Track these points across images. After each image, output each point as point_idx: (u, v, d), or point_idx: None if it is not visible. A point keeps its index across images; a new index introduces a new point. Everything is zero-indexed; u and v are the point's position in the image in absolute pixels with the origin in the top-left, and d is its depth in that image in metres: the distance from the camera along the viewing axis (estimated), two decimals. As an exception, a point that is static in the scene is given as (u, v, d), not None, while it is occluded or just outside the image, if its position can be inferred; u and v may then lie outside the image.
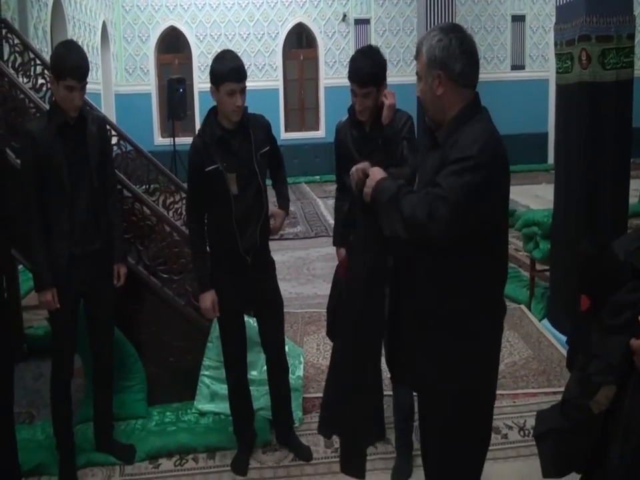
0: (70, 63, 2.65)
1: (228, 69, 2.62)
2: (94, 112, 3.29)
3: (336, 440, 3.08)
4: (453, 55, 1.83)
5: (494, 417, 3.18)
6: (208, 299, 2.79)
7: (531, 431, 3.13)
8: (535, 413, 3.22)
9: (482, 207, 1.79)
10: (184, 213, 4.31)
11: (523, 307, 4.86)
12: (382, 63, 2.72)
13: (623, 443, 1.78)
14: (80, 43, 3.34)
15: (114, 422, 3.15)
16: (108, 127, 3.88)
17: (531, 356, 4.02)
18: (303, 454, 3.02)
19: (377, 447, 2.97)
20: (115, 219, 2.96)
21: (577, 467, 1.96)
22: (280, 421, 3.11)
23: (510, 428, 3.17)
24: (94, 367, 3.04)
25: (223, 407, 3.21)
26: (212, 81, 2.68)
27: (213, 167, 2.68)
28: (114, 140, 4.27)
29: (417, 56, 1.92)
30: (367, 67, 2.65)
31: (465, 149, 1.77)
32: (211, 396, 3.33)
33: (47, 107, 3.42)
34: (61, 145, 2.71)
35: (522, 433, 3.14)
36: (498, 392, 3.50)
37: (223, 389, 3.21)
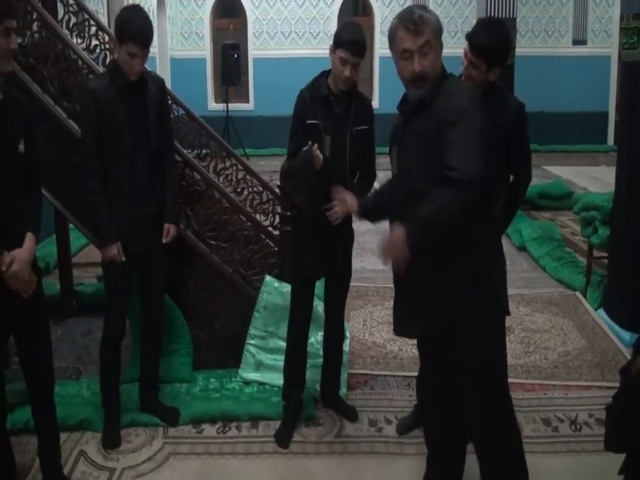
0: (133, 28, 2.64)
1: (348, 39, 2.63)
2: (152, 73, 3.27)
3: (380, 419, 3.07)
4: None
5: (544, 407, 3.14)
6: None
7: (583, 426, 3.02)
8: (587, 408, 3.14)
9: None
10: (234, 179, 4.27)
11: (578, 294, 4.68)
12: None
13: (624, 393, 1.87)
14: (135, 5, 3.31)
15: (159, 384, 3.17)
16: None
17: (585, 347, 3.85)
18: (349, 413, 3.07)
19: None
20: (170, 180, 2.95)
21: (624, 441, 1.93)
22: (328, 383, 3.14)
23: (561, 421, 3.05)
24: (145, 328, 3.05)
25: (268, 377, 3.20)
26: (333, 41, 2.69)
27: (313, 121, 2.70)
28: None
29: (420, 34, 2.00)
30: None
31: (458, 108, 1.95)
32: (256, 365, 3.31)
33: (100, 68, 3.43)
34: (122, 105, 2.71)
35: (573, 427, 3.01)
36: (549, 382, 3.44)
37: (268, 358, 3.20)
